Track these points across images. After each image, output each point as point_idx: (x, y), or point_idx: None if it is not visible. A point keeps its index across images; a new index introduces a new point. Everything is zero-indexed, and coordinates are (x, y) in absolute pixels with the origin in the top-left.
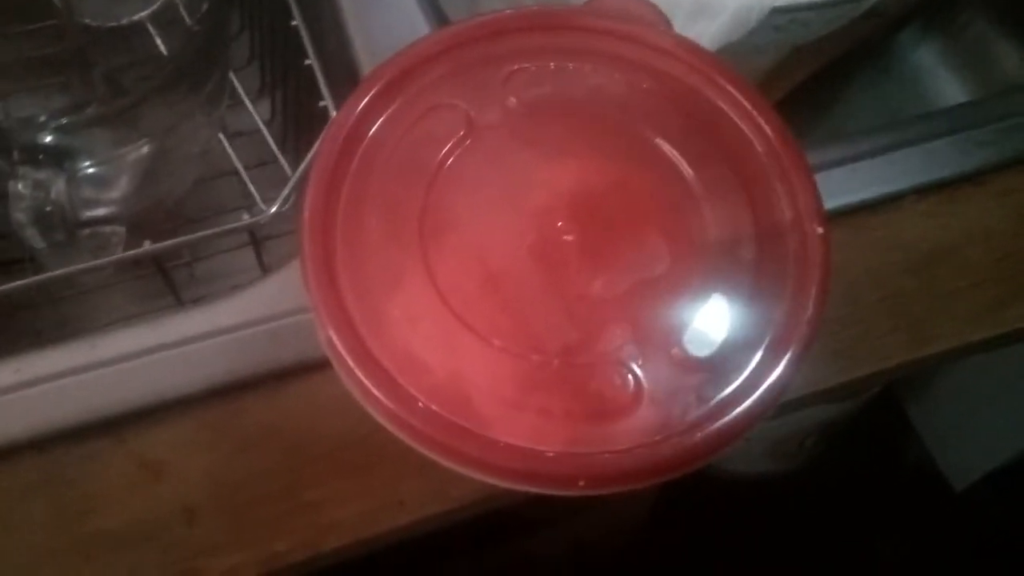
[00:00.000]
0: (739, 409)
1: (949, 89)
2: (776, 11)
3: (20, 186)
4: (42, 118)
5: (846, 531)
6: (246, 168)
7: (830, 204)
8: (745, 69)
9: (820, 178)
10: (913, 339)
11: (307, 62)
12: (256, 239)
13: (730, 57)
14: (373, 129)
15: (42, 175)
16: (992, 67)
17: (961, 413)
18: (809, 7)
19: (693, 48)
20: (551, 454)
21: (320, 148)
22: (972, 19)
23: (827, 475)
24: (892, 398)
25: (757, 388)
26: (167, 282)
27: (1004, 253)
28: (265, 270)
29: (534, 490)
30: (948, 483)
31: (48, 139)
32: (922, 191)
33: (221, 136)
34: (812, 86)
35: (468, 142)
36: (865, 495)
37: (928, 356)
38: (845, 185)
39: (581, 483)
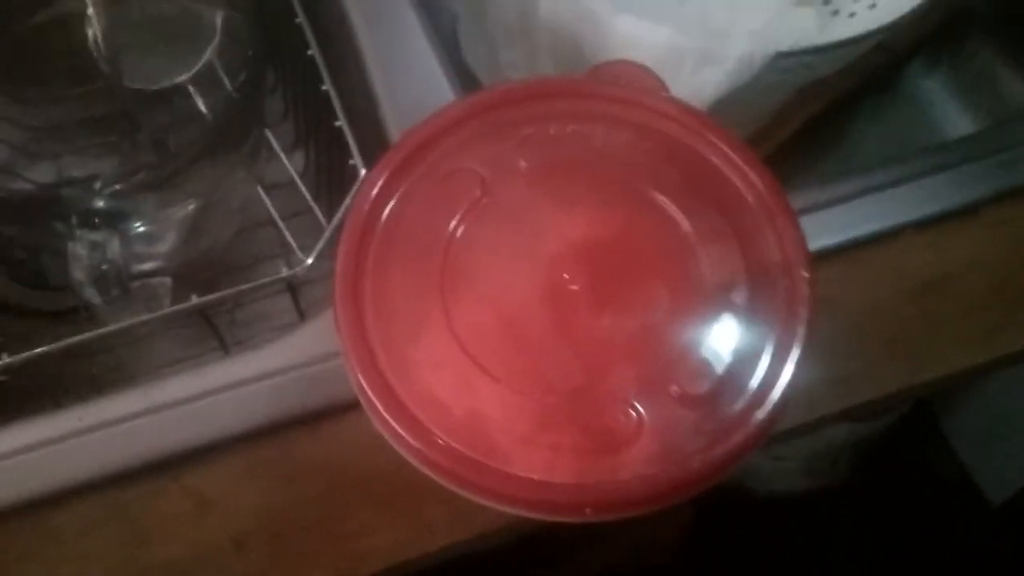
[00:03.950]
0: (732, 440)
1: (956, 119)
2: (781, 55)
3: (79, 248)
4: (96, 185)
5: (883, 547)
6: (282, 218)
7: (830, 240)
8: (753, 111)
9: (821, 215)
10: (912, 366)
11: (337, 123)
12: (293, 287)
13: (737, 101)
14: (398, 193)
15: (98, 236)
16: (998, 95)
17: (997, 426)
18: (813, 51)
19: (688, 110)
20: (561, 485)
21: (350, 211)
22: (978, 49)
23: (863, 491)
24: (927, 412)
25: (749, 422)
26: (212, 329)
27: (998, 281)
28: (302, 314)
29: (547, 518)
30: (985, 497)
31: (102, 204)
32: (920, 224)
33: (259, 188)
34: (820, 120)
35: (484, 202)
36: (901, 510)
37: (927, 382)
38: (846, 221)
39: (588, 511)
